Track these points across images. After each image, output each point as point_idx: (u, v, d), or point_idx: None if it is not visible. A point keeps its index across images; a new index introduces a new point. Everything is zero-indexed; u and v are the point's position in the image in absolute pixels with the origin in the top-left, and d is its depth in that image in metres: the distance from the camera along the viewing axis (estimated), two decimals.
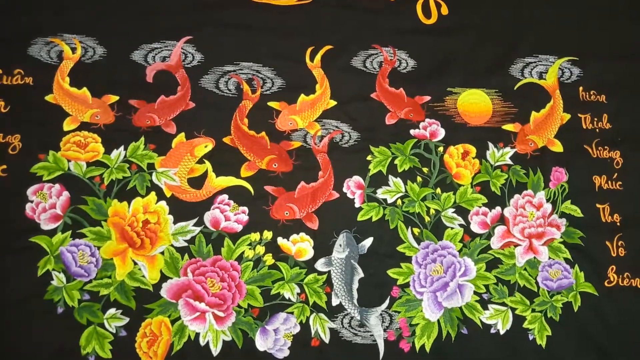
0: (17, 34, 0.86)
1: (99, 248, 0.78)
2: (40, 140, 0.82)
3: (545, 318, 0.82)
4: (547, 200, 0.88)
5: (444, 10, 0.96)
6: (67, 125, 0.83)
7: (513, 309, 0.82)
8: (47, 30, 0.87)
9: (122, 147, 0.83)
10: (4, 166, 0.80)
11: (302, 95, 0.89)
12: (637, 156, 0.90)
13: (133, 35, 0.89)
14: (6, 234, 0.77)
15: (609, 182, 0.89)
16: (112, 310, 0.76)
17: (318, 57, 0.91)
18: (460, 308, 0.81)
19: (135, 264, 0.79)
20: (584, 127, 0.92)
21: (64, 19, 0.88)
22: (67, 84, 0.85)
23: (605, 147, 0.91)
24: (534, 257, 0.85)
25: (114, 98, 0.85)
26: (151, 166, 0.83)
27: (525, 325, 0.82)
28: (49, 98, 0.84)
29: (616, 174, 0.89)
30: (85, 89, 0.85)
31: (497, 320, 0.81)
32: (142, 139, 0.84)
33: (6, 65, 0.84)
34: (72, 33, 0.87)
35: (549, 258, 0.85)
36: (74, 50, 0.87)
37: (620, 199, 0.88)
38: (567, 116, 0.92)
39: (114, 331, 0.76)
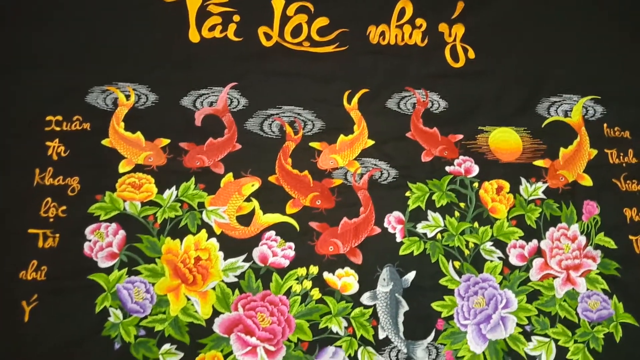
0: (77, 83, 0.92)
1: (153, 284, 0.81)
2: (97, 182, 0.86)
3: (588, 349, 0.83)
4: (582, 233, 0.91)
5: (471, 55, 1.02)
6: (123, 168, 0.88)
7: (556, 340, 0.84)
8: (103, 79, 0.93)
9: (174, 187, 0.87)
10: (64, 207, 0.84)
11: (342, 136, 0.94)
12: None
13: (182, 83, 0.95)
14: (66, 273, 0.81)
15: None
16: (167, 346, 0.78)
17: (355, 99, 0.97)
18: (505, 340, 0.83)
19: (188, 299, 0.81)
20: (611, 162, 0.96)
21: (119, 69, 0.94)
22: (122, 128, 0.90)
23: (634, 180, 0.94)
24: (573, 289, 0.87)
25: (166, 141, 0.91)
26: (201, 205, 0.87)
27: (569, 356, 0.83)
28: (105, 142, 0.89)
29: None
30: (139, 133, 0.90)
31: (541, 351, 0.83)
32: (193, 179, 0.88)
33: (66, 113, 0.90)
34: (127, 82, 0.94)
35: (587, 289, 0.87)
36: (128, 97, 0.93)
37: None
38: (594, 152, 0.96)
39: None
